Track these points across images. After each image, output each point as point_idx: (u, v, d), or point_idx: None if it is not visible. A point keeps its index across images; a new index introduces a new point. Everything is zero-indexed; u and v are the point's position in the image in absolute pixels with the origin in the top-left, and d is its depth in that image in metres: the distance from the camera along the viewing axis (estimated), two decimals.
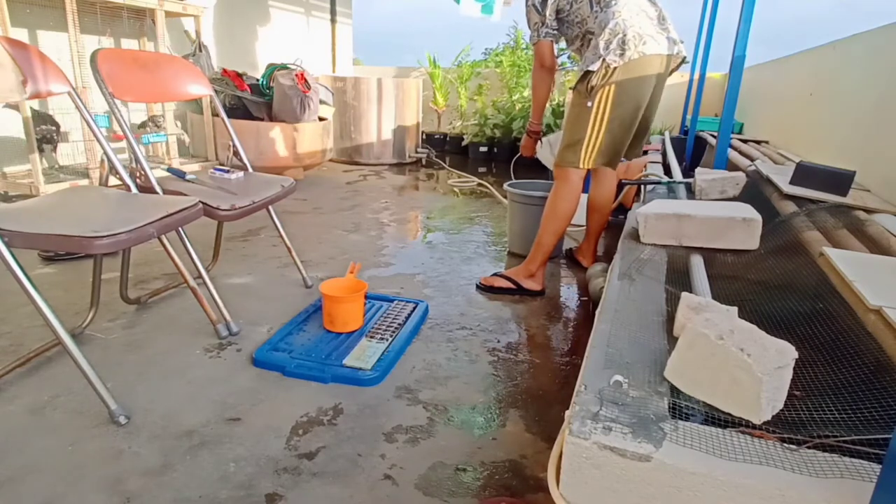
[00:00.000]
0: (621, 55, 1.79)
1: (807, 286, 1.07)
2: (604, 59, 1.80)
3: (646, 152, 3.48)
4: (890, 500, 0.49)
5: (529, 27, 2.02)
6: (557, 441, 0.72)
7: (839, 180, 1.61)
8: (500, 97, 5.93)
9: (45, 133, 3.09)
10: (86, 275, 1.69)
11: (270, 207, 1.88)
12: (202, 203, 1.50)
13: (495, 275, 2.14)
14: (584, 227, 2.42)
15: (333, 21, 6.05)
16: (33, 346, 1.50)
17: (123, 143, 3.22)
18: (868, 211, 1.50)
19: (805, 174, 1.68)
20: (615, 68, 1.80)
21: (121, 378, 1.40)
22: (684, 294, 0.90)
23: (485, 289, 2.11)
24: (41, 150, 3.12)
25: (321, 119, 4.04)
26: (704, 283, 1.11)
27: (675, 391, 0.74)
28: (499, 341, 1.72)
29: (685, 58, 1.97)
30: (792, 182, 1.70)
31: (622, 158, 2.03)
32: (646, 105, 1.95)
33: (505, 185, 2.61)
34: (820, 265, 1.10)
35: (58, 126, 3.17)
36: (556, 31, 1.99)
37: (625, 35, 1.78)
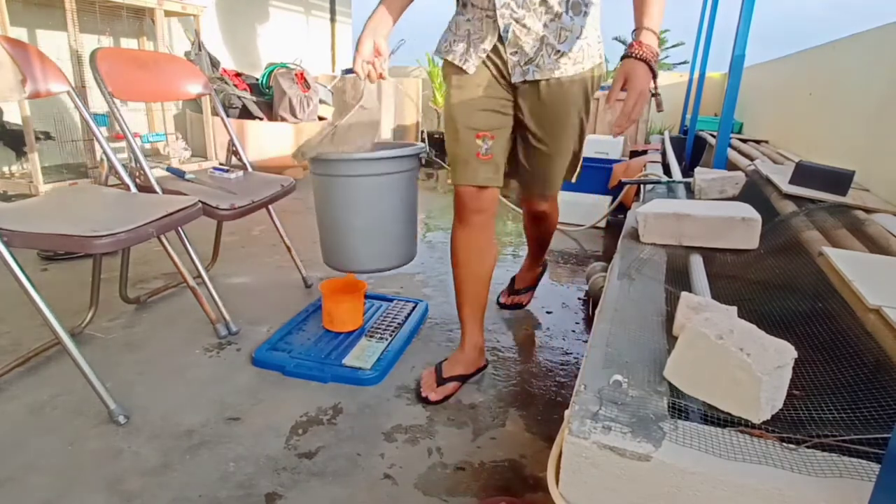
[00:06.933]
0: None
1: (806, 286, 1.07)
2: (603, 58, 1.40)
3: (645, 152, 3.48)
4: (889, 500, 0.49)
5: None
6: (557, 440, 0.72)
7: (839, 180, 1.61)
8: None
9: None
10: (85, 274, 1.69)
11: (270, 207, 1.88)
12: (202, 203, 1.50)
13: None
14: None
15: (333, 21, 6.04)
16: (33, 346, 1.49)
17: (123, 143, 3.22)
18: (868, 210, 1.49)
19: (804, 174, 1.68)
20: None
21: (120, 378, 1.40)
22: (684, 293, 0.90)
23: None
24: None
25: (321, 119, 4.04)
26: (704, 282, 1.11)
27: (674, 391, 0.74)
28: (498, 341, 1.72)
29: None
30: (791, 182, 1.70)
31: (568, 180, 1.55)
32: None
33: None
34: (819, 265, 1.09)
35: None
36: None
37: (599, 34, 1.37)
